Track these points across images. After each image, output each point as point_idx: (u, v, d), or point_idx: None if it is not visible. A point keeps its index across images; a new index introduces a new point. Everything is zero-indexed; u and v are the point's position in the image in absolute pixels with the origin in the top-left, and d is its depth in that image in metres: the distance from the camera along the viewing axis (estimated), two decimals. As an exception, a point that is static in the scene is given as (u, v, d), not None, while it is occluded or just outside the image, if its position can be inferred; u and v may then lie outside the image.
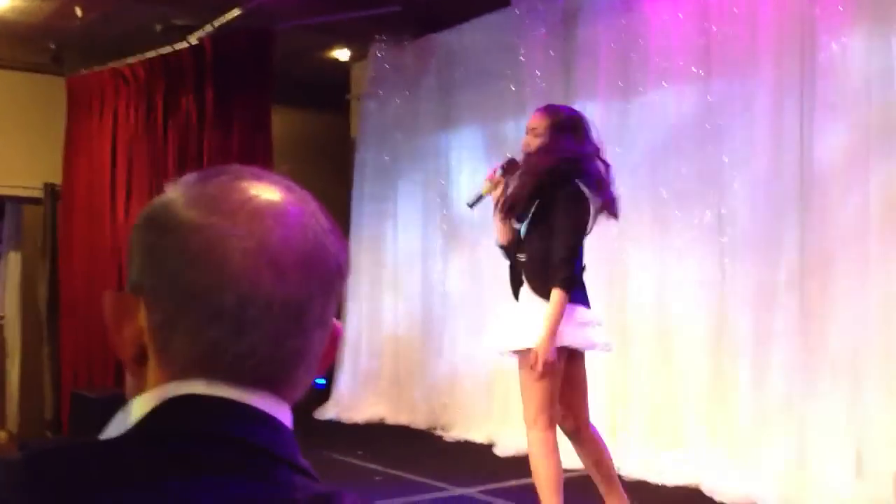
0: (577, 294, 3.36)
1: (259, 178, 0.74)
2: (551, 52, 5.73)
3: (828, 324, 4.27)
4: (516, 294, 3.49)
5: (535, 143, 3.46)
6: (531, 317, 3.31)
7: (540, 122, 3.50)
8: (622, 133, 5.32)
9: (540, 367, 3.24)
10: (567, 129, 3.45)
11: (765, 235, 4.57)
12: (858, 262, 4.20)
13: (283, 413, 0.71)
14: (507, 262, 3.57)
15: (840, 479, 4.10)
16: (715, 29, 4.86)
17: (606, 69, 5.41)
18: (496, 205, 3.54)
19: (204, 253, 0.69)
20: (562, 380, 3.39)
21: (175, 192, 0.73)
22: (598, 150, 3.48)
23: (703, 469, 4.60)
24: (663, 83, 5.09)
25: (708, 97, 4.91)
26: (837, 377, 4.20)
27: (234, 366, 0.69)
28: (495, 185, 3.56)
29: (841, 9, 4.27)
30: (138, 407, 0.69)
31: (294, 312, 0.69)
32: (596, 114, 5.45)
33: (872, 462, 4.07)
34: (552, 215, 3.33)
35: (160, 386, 0.69)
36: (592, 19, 5.53)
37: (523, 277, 3.42)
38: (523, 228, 3.42)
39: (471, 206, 3.74)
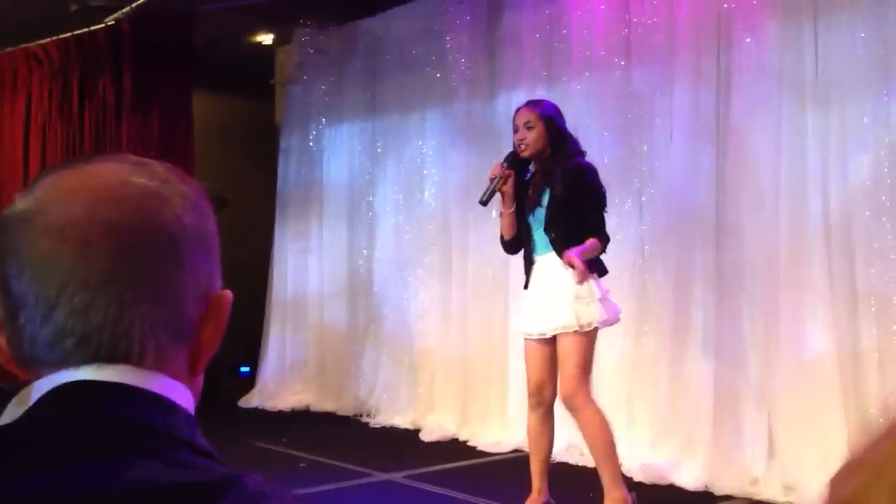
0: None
1: (95, 162, 0.73)
2: (476, 41, 5.76)
3: (742, 306, 4.41)
4: (528, 283, 3.70)
5: (532, 135, 3.64)
6: (576, 293, 3.50)
7: (531, 115, 3.69)
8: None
9: (581, 266, 3.44)
10: (558, 114, 3.72)
11: (683, 222, 4.69)
12: (771, 249, 4.35)
13: (177, 394, 0.70)
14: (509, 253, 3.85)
15: (754, 461, 4.24)
16: (635, 20, 4.96)
17: (531, 58, 5.46)
18: (506, 200, 3.70)
19: (9, 243, 0.69)
20: (556, 356, 3.59)
21: (20, 193, 0.73)
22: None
23: (624, 450, 4.70)
24: (586, 73, 5.17)
25: (629, 87, 5.00)
26: (750, 358, 4.35)
27: (55, 351, 0.68)
28: (505, 180, 3.68)
29: (755, 2, 4.40)
30: (18, 400, 0.68)
31: (97, 284, 0.67)
32: (520, 101, 5.51)
33: (783, 443, 4.22)
34: (578, 193, 3.56)
35: (37, 380, 0.68)
36: (517, 8, 5.58)
37: (539, 258, 3.62)
38: (542, 213, 3.60)
39: (484, 203, 3.79)
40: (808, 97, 4.28)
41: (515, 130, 3.73)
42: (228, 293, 0.76)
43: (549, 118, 3.65)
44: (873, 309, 3.99)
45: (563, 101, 5.27)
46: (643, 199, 4.94)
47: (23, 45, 6.55)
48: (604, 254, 3.64)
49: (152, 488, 0.62)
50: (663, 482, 4.36)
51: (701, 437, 4.41)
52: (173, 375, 0.71)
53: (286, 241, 7.05)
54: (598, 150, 5.08)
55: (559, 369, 3.57)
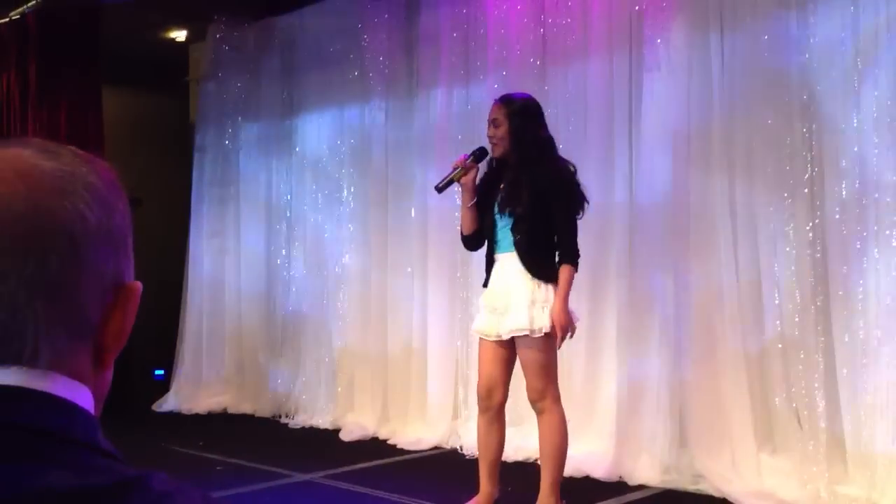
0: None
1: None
2: (394, 38, 5.77)
3: (652, 299, 4.54)
4: (487, 281, 3.61)
5: (499, 132, 3.54)
6: (532, 298, 3.43)
7: (498, 112, 3.58)
8: (465, 119, 5.43)
9: (561, 336, 3.40)
10: (527, 114, 3.55)
11: (596, 219, 4.79)
12: (680, 242, 4.48)
13: (77, 395, 0.68)
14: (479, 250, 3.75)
15: (665, 450, 4.37)
16: (550, 21, 5.04)
17: (448, 56, 5.50)
18: (465, 192, 3.62)
19: None
20: (512, 359, 3.55)
21: None
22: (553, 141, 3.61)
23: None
24: (502, 71, 5.23)
25: (545, 86, 5.09)
26: (659, 350, 4.47)
27: None
28: (465, 172, 3.60)
29: (664, 4, 4.53)
30: None
31: None
32: (439, 100, 5.56)
33: (693, 433, 4.36)
34: (548, 198, 3.44)
35: None
36: (434, 7, 5.61)
37: (501, 255, 3.53)
38: (505, 214, 3.50)
39: (439, 190, 3.72)
40: (715, 96, 4.43)
41: (488, 126, 3.63)
42: (138, 284, 0.73)
43: (517, 117, 3.52)
44: (777, 301, 4.16)
45: (480, 99, 5.34)
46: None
47: (-80, 38, 6.27)
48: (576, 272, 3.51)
49: (51, 495, 0.60)
50: (579, 474, 4.45)
51: (614, 429, 4.52)
52: (73, 375, 0.68)
53: (202, 240, 6.93)
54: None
55: (524, 374, 3.53)
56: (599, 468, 4.43)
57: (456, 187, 3.75)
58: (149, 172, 7.40)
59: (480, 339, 3.65)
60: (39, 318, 0.66)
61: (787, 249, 4.13)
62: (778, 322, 4.14)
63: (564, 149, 4.95)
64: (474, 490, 3.76)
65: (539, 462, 3.65)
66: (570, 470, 4.47)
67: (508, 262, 3.51)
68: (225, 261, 6.87)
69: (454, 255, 5.44)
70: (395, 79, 5.80)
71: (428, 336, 5.47)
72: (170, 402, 6.71)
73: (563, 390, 4.83)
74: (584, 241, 4.81)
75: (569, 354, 4.84)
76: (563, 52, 4.99)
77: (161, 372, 7.19)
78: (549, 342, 3.45)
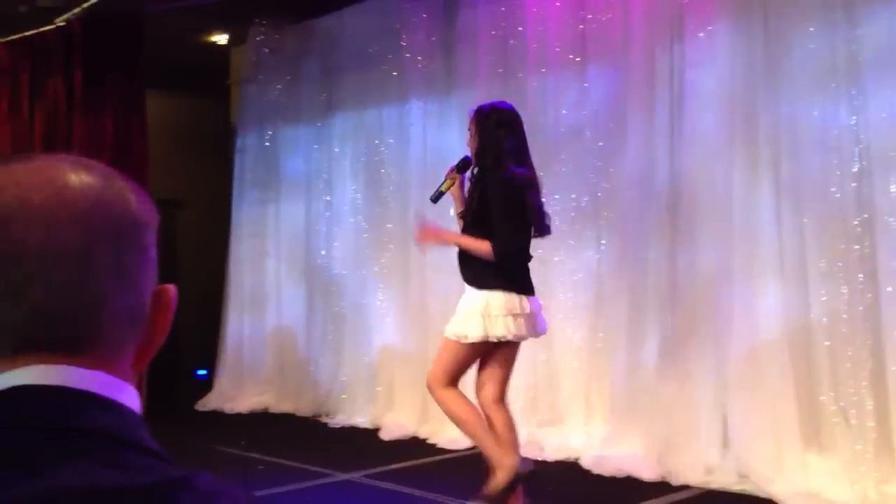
0: (522, 283, 3.56)
1: (37, 160, 0.72)
2: (432, 38, 5.77)
3: (695, 299, 4.48)
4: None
5: (471, 142, 3.67)
6: (463, 301, 3.60)
7: (471, 123, 3.70)
8: (502, 118, 5.41)
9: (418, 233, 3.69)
10: (490, 123, 3.61)
11: (639, 216, 4.74)
12: (724, 241, 4.42)
13: (124, 395, 0.69)
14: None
15: (708, 451, 4.31)
16: (590, 17, 5.00)
17: (486, 55, 5.48)
18: (454, 200, 3.75)
19: None
20: (487, 359, 3.61)
21: None
22: (520, 150, 3.64)
23: (582, 444, 4.75)
24: (542, 69, 5.20)
25: (584, 83, 5.05)
26: (704, 350, 4.41)
27: (26, 334, 0.67)
28: (451, 182, 3.72)
29: (707, -2, 4.47)
30: None
31: (73, 262, 0.67)
32: (476, 99, 5.53)
33: (737, 433, 4.30)
34: (484, 204, 3.49)
35: None
36: (472, 5, 5.60)
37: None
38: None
39: (433, 201, 3.83)
40: (760, 92, 4.35)
41: None
42: (172, 287, 0.75)
43: (481, 125, 3.62)
44: (823, 298, 4.07)
45: (519, 97, 5.32)
46: (599, 195, 4.99)
47: (-30, 46, 6.42)
48: (499, 260, 3.48)
49: (98, 493, 0.61)
50: (621, 474, 4.41)
51: (657, 430, 4.47)
52: (119, 374, 0.70)
53: (243, 241, 7.00)
54: (553, 146, 5.13)
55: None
56: (642, 468, 4.38)
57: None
58: (191, 175, 7.50)
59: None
60: (114, 300, 0.69)
61: (835, 245, 4.04)
62: (825, 319, 4.05)
63: (605, 146, 4.94)
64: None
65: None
66: (612, 470, 4.43)
67: None
68: (265, 261, 6.93)
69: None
70: (434, 78, 5.81)
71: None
72: (212, 402, 6.79)
73: (603, 390, 4.82)
74: (624, 240, 4.80)
75: (607, 352, 4.80)
76: (603, 49, 4.95)
77: (204, 372, 7.27)
78: (456, 346, 3.54)
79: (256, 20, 6.77)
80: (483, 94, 5.52)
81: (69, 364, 0.67)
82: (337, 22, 6.47)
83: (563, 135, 5.11)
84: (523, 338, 3.57)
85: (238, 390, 6.77)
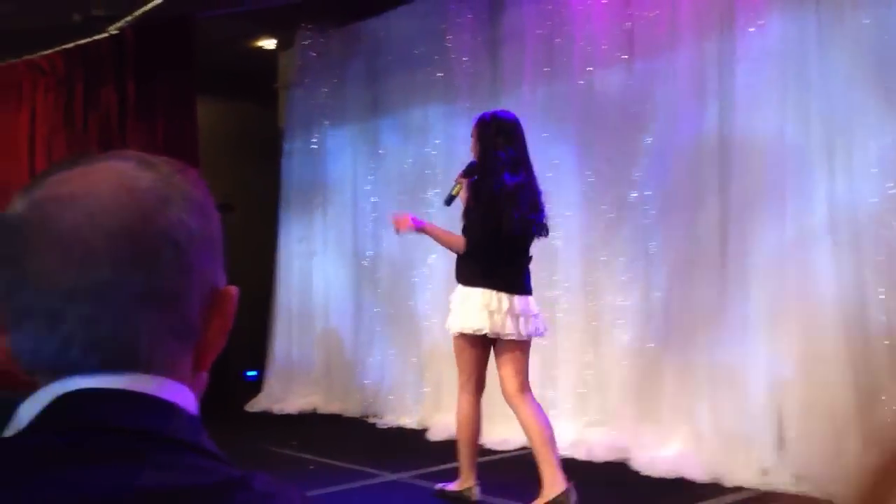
0: (507, 282, 3.78)
1: (98, 161, 0.71)
2: (478, 38, 5.77)
3: (749, 299, 4.41)
4: None
5: (474, 150, 3.93)
6: (456, 303, 3.84)
7: (473, 131, 3.95)
8: (549, 116, 5.40)
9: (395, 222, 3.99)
10: (487, 132, 3.86)
11: (687, 214, 4.69)
12: (777, 236, 4.34)
13: (178, 395, 0.69)
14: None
15: (763, 452, 4.24)
16: (637, 13, 4.96)
17: (532, 55, 5.47)
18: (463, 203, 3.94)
19: (11, 253, 0.68)
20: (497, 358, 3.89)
21: (19, 191, 0.72)
22: (516, 159, 3.82)
23: (631, 445, 4.71)
24: (588, 67, 5.17)
25: (631, 80, 5.01)
26: (758, 351, 4.34)
27: (61, 360, 0.67)
28: (461, 186, 3.93)
29: (757, -9, 4.39)
30: (26, 409, 0.67)
31: (102, 295, 0.66)
32: (523, 98, 5.53)
33: (793, 434, 4.22)
34: (466, 206, 3.82)
35: (42, 388, 0.68)
36: (518, 4, 5.59)
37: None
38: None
39: (446, 203, 4.03)
40: (813, 85, 4.27)
41: None
42: (234, 289, 0.75)
43: (482, 133, 3.87)
44: (881, 295, 3.98)
45: (565, 96, 5.30)
46: (646, 193, 4.94)
47: (27, 57, 6.58)
48: (465, 251, 3.80)
49: (159, 493, 0.62)
50: (673, 475, 4.36)
51: (710, 430, 4.41)
52: (178, 378, 0.70)
53: (291, 243, 7.07)
54: (600, 144, 5.10)
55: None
56: (694, 469, 4.32)
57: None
58: (240, 178, 7.59)
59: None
60: (151, 326, 0.68)
61: (892, 241, 3.95)
62: (884, 317, 3.96)
63: (654, 144, 4.89)
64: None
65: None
66: (663, 471, 4.38)
67: None
68: (313, 263, 6.99)
69: (540, 254, 5.39)
70: (480, 78, 5.80)
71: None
72: (262, 403, 6.87)
73: (653, 390, 4.77)
74: (673, 239, 4.74)
75: (657, 352, 4.75)
76: (651, 45, 4.90)
77: (253, 373, 7.36)
78: (456, 341, 3.86)
79: (303, 24, 6.84)
80: (529, 94, 5.51)
81: (132, 371, 0.68)
82: (382, 24, 6.51)
83: (610, 133, 5.07)
84: (508, 335, 3.76)
85: (287, 391, 6.84)
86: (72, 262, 0.66)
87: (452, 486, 3.98)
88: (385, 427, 5.99)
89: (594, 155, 5.15)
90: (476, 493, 3.94)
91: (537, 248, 5.38)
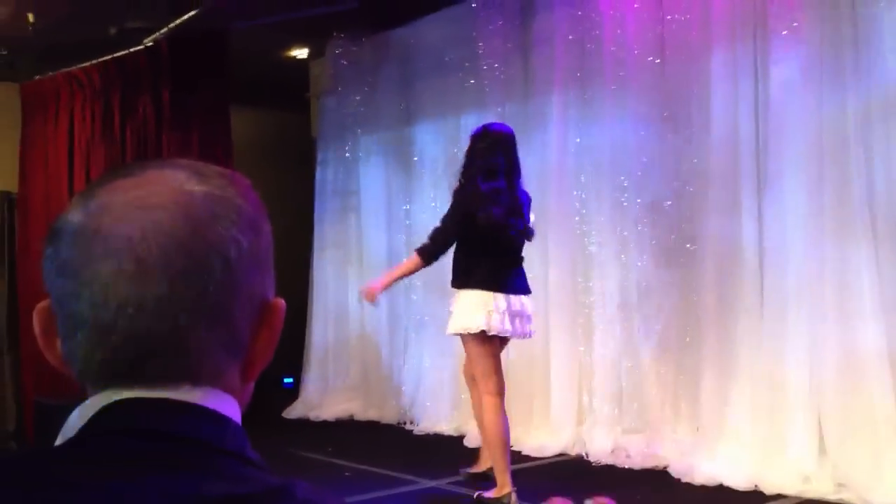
0: (503, 282, 3.98)
1: (150, 169, 0.72)
2: (509, 44, 5.77)
3: (787, 303, 4.35)
4: None
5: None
6: (457, 305, 4.06)
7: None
8: (581, 122, 5.38)
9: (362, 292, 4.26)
10: (474, 144, 4.13)
11: (725, 217, 4.64)
12: (816, 242, 4.28)
13: (224, 405, 0.70)
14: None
15: (804, 459, 4.18)
16: (669, 17, 4.92)
17: (564, 59, 5.45)
18: None
19: (68, 261, 0.69)
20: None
21: (75, 198, 0.72)
22: (495, 166, 4.04)
23: (670, 452, 4.67)
24: (620, 72, 5.14)
25: (664, 85, 4.97)
26: (798, 356, 4.28)
27: (111, 370, 0.68)
28: None
29: (791, -7, 4.34)
30: (77, 416, 0.68)
31: (155, 309, 0.67)
32: (554, 104, 5.51)
33: (834, 440, 4.15)
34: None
35: (91, 397, 0.69)
36: (549, 9, 5.57)
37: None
38: None
39: None
40: (849, 86, 4.21)
41: None
42: (281, 302, 0.75)
43: (471, 144, 4.15)
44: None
45: (597, 101, 5.28)
46: (682, 197, 4.90)
47: (64, 69, 6.69)
48: (427, 256, 4.09)
49: (201, 501, 0.63)
50: (712, 482, 4.31)
51: (750, 436, 4.35)
52: (226, 389, 0.71)
53: (325, 251, 7.11)
54: (635, 149, 5.07)
55: None
56: (734, 476, 4.27)
57: None
58: (275, 187, 7.63)
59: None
60: (201, 340, 0.69)
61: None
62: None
63: (688, 148, 4.84)
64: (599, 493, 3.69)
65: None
66: (702, 478, 4.34)
67: None
68: (348, 270, 7.02)
69: (575, 260, 5.38)
70: (511, 84, 5.80)
71: (550, 342, 5.42)
72: (298, 410, 6.90)
73: (691, 396, 4.72)
74: (710, 242, 4.69)
75: (695, 358, 4.70)
76: (683, 49, 4.86)
77: (290, 380, 7.41)
78: (466, 338, 4.03)
79: (335, 33, 6.88)
80: (561, 99, 5.49)
81: (183, 382, 0.69)
82: (413, 32, 6.53)
83: (644, 136, 5.04)
84: (503, 332, 3.94)
85: (323, 398, 6.87)
86: (126, 274, 0.67)
87: (491, 494, 4.00)
88: (422, 433, 5.99)
89: (627, 159, 5.12)
90: (514, 500, 3.96)
91: (570, 253, 5.38)
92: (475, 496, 4.06)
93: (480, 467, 4.30)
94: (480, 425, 4.09)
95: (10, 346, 6.74)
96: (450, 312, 4.08)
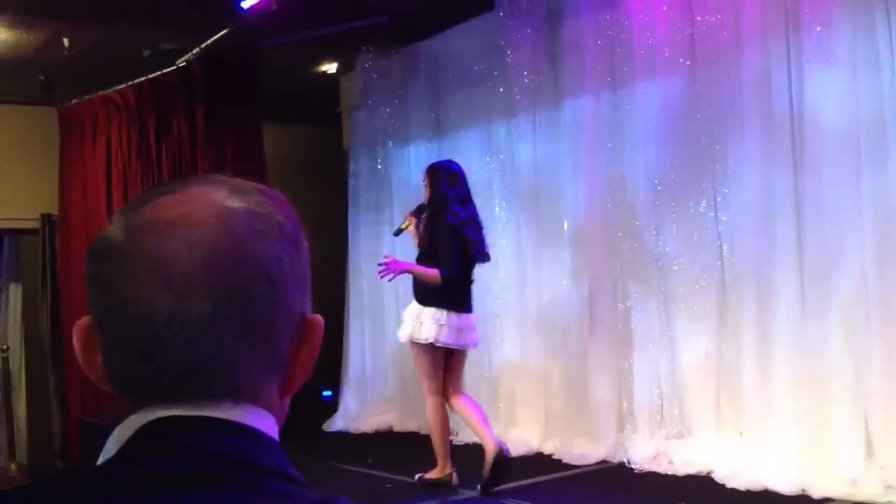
0: (457, 302, 4.64)
1: (191, 187, 0.72)
2: (537, 52, 5.76)
3: (829, 304, 4.28)
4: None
5: (425, 193, 4.80)
6: (417, 317, 4.65)
7: (424, 177, 4.86)
8: (613, 127, 5.35)
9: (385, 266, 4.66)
10: (436, 177, 4.75)
11: (760, 219, 4.58)
12: (857, 242, 4.21)
13: (263, 423, 0.70)
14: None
15: (851, 461, 4.10)
16: (699, 18, 4.88)
17: (593, 65, 5.43)
18: (413, 236, 4.90)
19: (111, 278, 0.68)
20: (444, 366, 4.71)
21: (116, 216, 0.72)
22: (463, 196, 4.73)
23: (714, 457, 4.61)
24: (651, 75, 5.11)
25: (696, 87, 4.93)
26: (842, 357, 4.20)
27: (152, 388, 0.68)
28: (409, 223, 4.91)
29: (824, -9, 4.28)
30: (117, 435, 0.68)
31: (199, 326, 0.67)
32: (585, 109, 5.49)
33: (882, 441, 4.07)
34: (432, 239, 4.63)
35: (132, 415, 0.69)
36: (576, 15, 5.56)
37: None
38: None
39: (395, 235, 5.31)
40: (885, 84, 4.14)
41: None
42: (319, 318, 0.75)
43: (432, 180, 4.75)
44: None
45: (629, 105, 5.25)
46: (718, 200, 4.85)
47: (100, 92, 6.81)
48: (446, 283, 4.57)
49: None
50: (758, 487, 4.24)
51: (795, 439, 4.28)
52: (265, 406, 0.71)
53: (360, 263, 7.13)
54: (667, 153, 5.03)
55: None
56: (780, 480, 4.20)
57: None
58: (309, 201, 7.68)
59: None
60: (243, 358, 0.69)
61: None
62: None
63: (722, 150, 4.80)
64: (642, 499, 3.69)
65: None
66: (747, 483, 4.27)
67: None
68: (383, 282, 7.02)
69: (610, 266, 5.34)
70: (541, 91, 5.79)
71: (588, 348, 5.39)
72: (338, 423, 6.92)
73: (734, 399, 4.66)
74: (747, 242, 4.63)
75: (736, 361, 4.64)
76: (714, 50, 4.81)
77: (329, 393, 7.44)
78: (418, 348, 4.65)
79: (363, 47, 6.93)
80: (591, 104, 5.47)
81: (224, 399, 0.69)
82: (441, 43, 6.55)
83: (677, 140, 5.00)
84: (447, 344, 4.59)
85: (362, 410, 6.89)
86: (170, 292, 0.66)
87: (432, 474, 4.68)
88: (461, 444, 5.96)
89: (661, 164, 5.08)
90: (455, 478, 4.67)
91: (605, 259, 5.35)
92: (416, 478, 4.70)
93: (437, 473, 4.73)
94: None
95: (54, 365, 6.86)
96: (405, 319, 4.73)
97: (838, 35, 4.26)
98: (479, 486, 4.50)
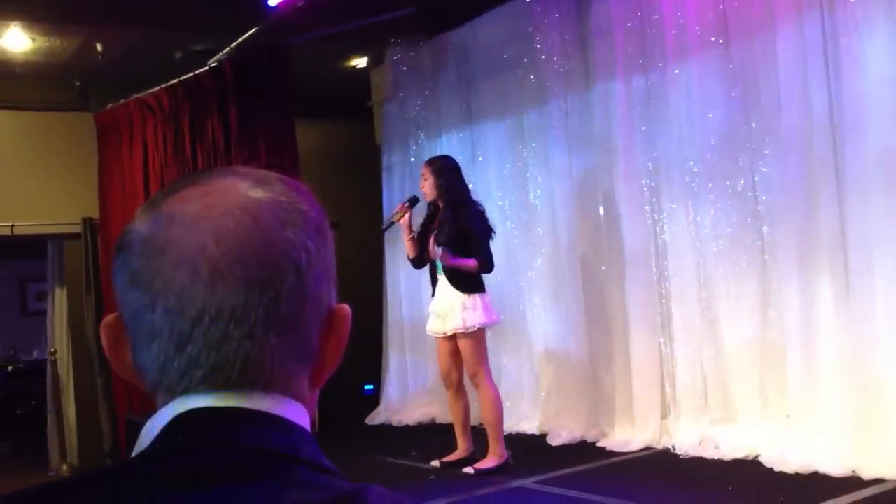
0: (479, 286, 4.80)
1: (215, 178, 0.72)
2: (567, 36, 5.71)
3: (874, 283, 4.19)
4: (434, 293, 4.94)
5: (427, 185, 4.90)
6: (462, 304, 4.74)
7: (425, 170, 4.94)
8: (646, 109, 5.29)
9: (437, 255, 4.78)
10: (447, 170, 4.88)
11: (801, 197, 4.50)
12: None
13: (295, 413, 0.70)
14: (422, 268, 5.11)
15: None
16: (730, -5, 4.80)
17: (624, 47, 5.37)
18: (404, 229, 4.98)
19: (139, 271, 0.68)
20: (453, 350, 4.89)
21: (141, 209, 0.72)
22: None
23: (761, 441, 4.55)
24: (683, 55, 5.04)
25: (730, 65, 4.85)
26: (888, 337, 4.12)
27: (184, 380, 0.68)
28: (402, 214, 4.95)
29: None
30: (148, 429, 0.69)
31: (230, 317, 0.67)
32: (618, 92, 5.43)
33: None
34: (464, 230, 4.74)
35: (163, 407, 0.69)
36: (605, 0, 5.50)
37: (440, 276, 4.85)
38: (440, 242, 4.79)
39: (384, 230, 5.38)
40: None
41: (420, 179, 5.00)
42: (346, 308, 0.75)
43: (439, 173, 4.85)
44: None
45: (661, 86, 5.18)
46: (756, 178, 4.78)
47: (135, 96, 6.88)
48: (486, 273, 4.84)
49: None
50: (807, 470, 4.18)
51: (843, 421, 4.21)
52: (296, 397, 0.71)
53: (397, 256, 7.14)
54: (702, 133, 4.96)
55: (463, 359, 4.86)
56: (829, 462, 4.13)
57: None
58: (342, 196, 7.72)
59: (435, 337, 4.97)
60: (274, 349, 0.68)
61: None
62: None
63: (758, 127, 4.73)
64: (689, 484, 3.65)
65: (483, 424, 5.00)
66: (796, 466, 4.21)
67: (443, 280, 4.83)
68: (420, 274, 7.03)
69: (648, 251, 5.29)
70: (571, 77, 5.74)
71: (630, 334, 5.34)
72: (381, 416, 6.96)
73: (779, 383, 4.59)
74: (786, 221, 4.55)
75: (780, 345, 4.57)
76: (747, 26, 4.73)
77: (370, 387, 7.47)
78: (479, 335, 4.78)
79: (392, 40, 6.92)
80: (623, 87, 5.41)
81: (256, 391, 0.68)
82: (470, 32, 6.52)
83: (712, 120, 4.92)
84: (495, 323, 4.91)
85: (404, 403, 6.91)
86: (201, 283, 0.66)
87: (488, 462, 4.82)
88: (505, 433, 5.95)
89: (696, 144, 5.01)
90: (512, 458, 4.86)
91: (643, 244, 5.29)
92: (473, 470, 4.80)
93: (457, 455, 5.00)
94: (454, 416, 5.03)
95: (101, 366, 6.96)
96: (467, 310, 4.75)
97: (874, 6, 4.16)
98: (439, 462, 4.97)
